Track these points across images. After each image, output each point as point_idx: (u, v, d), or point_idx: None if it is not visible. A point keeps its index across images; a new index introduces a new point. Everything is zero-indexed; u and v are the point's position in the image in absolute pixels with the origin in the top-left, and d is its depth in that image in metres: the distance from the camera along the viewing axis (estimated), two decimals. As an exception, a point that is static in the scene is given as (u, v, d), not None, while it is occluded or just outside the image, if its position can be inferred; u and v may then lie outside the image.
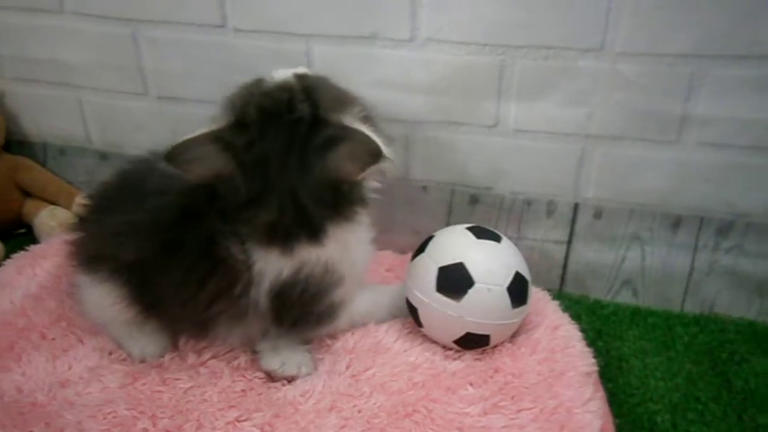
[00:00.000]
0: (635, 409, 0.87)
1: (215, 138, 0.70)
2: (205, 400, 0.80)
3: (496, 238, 0.86)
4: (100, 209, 0.85)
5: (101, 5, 1.05)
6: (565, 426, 0.74)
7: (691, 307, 1.04)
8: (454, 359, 0.85)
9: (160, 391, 0.81)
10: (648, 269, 1.03)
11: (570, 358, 0.84)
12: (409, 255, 1.07)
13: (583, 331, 0.90)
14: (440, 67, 0.95)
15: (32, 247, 1.09)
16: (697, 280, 1.02)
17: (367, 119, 0.73)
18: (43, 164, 1.23)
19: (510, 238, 0.89)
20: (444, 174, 1.04)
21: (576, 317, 0.93)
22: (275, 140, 0.70)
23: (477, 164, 1.02)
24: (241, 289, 0.77)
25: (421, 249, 0.88)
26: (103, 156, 1.19)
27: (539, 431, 0.74)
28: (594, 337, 0.97)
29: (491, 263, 0.82)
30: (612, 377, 0.92)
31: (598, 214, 1.01)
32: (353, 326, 0.89)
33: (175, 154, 0.69)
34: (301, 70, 0.77)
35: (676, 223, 0.99)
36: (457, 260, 0.82)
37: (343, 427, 0.75)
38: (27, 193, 1.22)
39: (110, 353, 0.88)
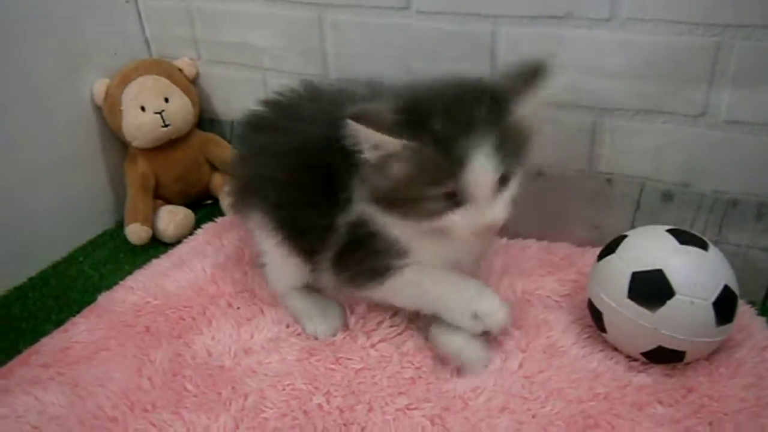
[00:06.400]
0: None
1: None
2: (375, 384, 0.81)
3: (703, 245, 0.76)
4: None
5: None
6: (776, 468, 0.65)
7: None
8: (640, 371, 0.78)
9: (332, 369, 0.83)
10: None
11: (784, 387, 0.73)
12: (587, 249, 1.02)
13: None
14: (641, 49, 0.86)
15: (219, 220, 1.18)
16: None
17: None
18: (229, 141, 1.32)
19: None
20: (633, 167, 0.95)
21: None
22: None
23: (674, 157, 0.91)
24: (338, 210, 0.79)
25: (610, 249, 0.80)
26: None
27: (743, 469, 0.65)
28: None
29: (696, 273, 0.73)
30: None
31: (822, 221, 0.86)
32: (395, 300, 0.85)
33: None
34: None
35: None
36: (656, 266, 0.74)
37: (517, 430, 0.71)
38: (215, 168, 1.31)
39: (287, 326, 0.92)
